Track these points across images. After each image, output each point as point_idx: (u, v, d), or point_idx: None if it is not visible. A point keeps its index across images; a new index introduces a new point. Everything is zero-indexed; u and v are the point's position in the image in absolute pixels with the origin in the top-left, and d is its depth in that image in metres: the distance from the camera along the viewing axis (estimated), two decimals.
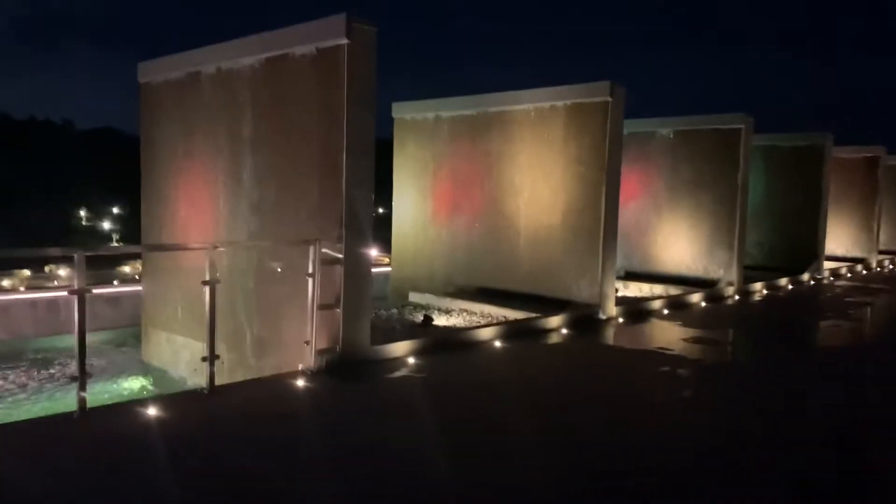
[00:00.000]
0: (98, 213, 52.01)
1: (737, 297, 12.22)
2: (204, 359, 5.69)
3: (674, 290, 11.93)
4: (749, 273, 13.42)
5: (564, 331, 8.72)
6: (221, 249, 7.41)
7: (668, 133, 13.13)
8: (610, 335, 9.03)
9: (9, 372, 9.22)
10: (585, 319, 9.27)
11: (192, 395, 5.88)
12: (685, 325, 9.57)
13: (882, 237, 18.76)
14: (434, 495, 4.01)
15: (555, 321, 8.88)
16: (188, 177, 8.39)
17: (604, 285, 9.52)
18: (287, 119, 7.06)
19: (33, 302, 11.23)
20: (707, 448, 4.94)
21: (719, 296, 12.07)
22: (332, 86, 6.46)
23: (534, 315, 8.97)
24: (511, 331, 8.32)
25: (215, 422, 5.14)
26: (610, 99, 9.33)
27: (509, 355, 7.57)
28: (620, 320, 9.66)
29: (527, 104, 10.24)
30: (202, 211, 8.18)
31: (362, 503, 3.90)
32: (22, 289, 13.45)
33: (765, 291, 13.01)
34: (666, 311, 10.45)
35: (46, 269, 18.98)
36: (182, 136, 8.41)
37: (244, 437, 4.83)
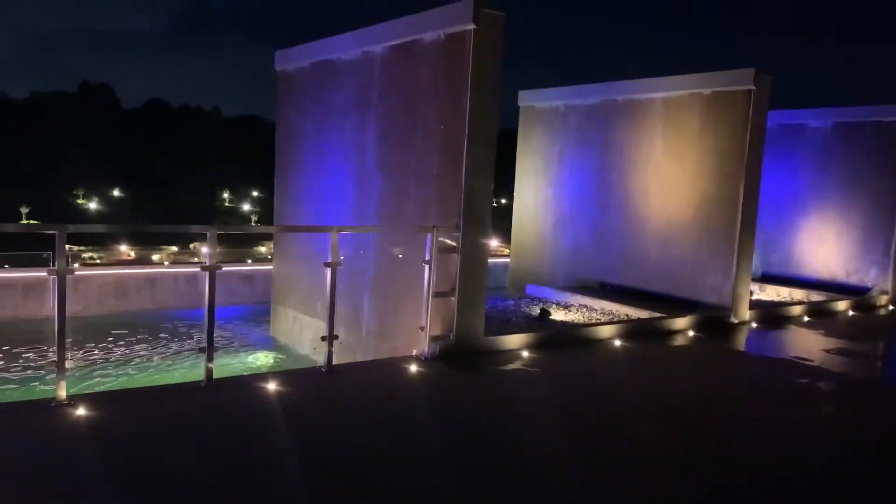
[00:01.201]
0: (239, 195, 55.49)
1: (891, 308, 11.05)
2: (323, 338, 5.83)
3: (817, 296, 10.97)
4: None
5: (691, 333, 8.23)
6: (344, 233, 7.60)
7: (816, 125, 12.04)
8: (741, 340, 8.42)
9: (153, 339, 9.98)
10: (715, 322, 8.70)
11: (310, 373, 6.06)
12: (828, 334, 8.76)
13: None
14: (547, 489, 3.86)
15: (681, 322, 8.40)
16: (318, 162, 8.66)
17: (737, 286, 8.89)
18: (412, 106, 7.08)
19: (175, 276, 12.10)
20: (845, 474, 4.45)
21: (870, 305, 10.97)
22: (457, 72, 6.39)
23: (658, 314, 8.54)
24: (633, 330, 7.95)
25: (332, 399, 5.27)
26: (753, 87, 8.66)
27: (630, 356, 7.23)
28: (754, 325, 8.99)
29: (661, 93, 9.73)
30: (329, 196, 8.41)
31: (477, 489, 3.83)
32: (166, 263, 14.54)
33: None
34: (806, 319, 9.62)
35: (191, 245, 20.45)
36: (313, 123, 8.69)
37: (358, 416, 4.91)
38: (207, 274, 5.16)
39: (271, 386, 5.23)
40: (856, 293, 11.23)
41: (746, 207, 8.81)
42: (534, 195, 11.37)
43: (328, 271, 5.77)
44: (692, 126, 9.32)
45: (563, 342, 7.35)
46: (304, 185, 8.91)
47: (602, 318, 8.84)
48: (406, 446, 4.41)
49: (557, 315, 8.91)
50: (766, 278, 12.07)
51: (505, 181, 11.85)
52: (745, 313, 9.07)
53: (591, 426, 5.01)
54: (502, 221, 12.64)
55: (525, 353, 6.75)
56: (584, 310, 9.36)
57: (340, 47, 8.12)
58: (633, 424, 5.10)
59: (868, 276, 11.44)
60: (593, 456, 4.44)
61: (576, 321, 8.63)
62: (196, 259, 18.77)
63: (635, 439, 4.78)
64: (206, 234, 5.25)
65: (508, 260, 12.20)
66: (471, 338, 6.57)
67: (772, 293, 11.58)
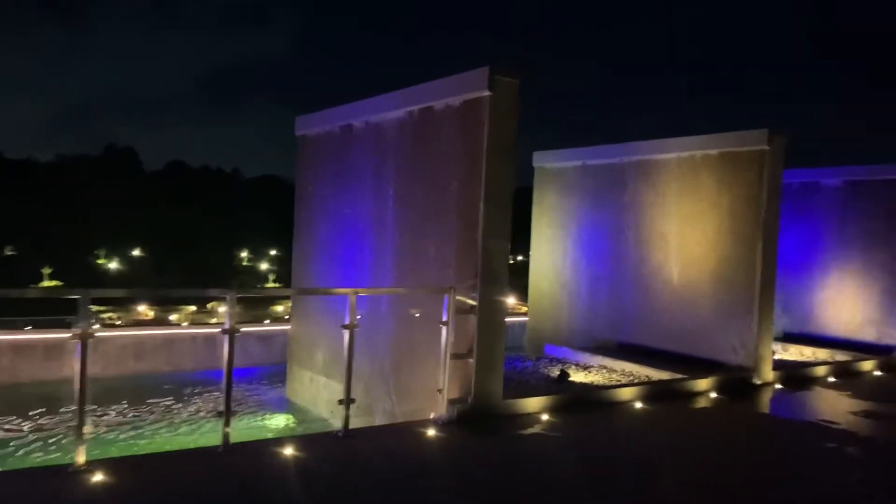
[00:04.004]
0: (258, 254, 56.10)
1: None
2: (340, 402, 5.80)
3: (841, 356, 10.76)
4: None
5: (713, 395, 8.08)
6: (362, 295, 7.63)
7: (835, 182, 12.05)
8: (765, 402, 8.25)
9: (171, 401, 9.95)
10: (738, 383, 8.54)
11: (326, 437, 5.99)
12: (855, 395, 8.55)
13: None
14: None
15: (703, 384, 8.26)
16: (336, 224, 8.78)
17: (759, 347, 8.75)
18: (429, 169, 7.21)
19: (193, 337, 12.14)
20: None
21: None
22: (473, 137, 6.52)
23: (680, 376, 8.40)
24: (654, 392, 7.82)
25: (349, 465, 5.19)
26: (767, 147, 8.73)
27: (652, 419, 7.09)
28: (778, 386, 8.81)
29: (676, 153, 9.82)
30: (347, 257, 8.49)
31: None
32: (184, 324, 14.61)
33: None
34: (831, 379, 9.42)
35: (209, 305, 20.56)
36: (332, 186, 8.85)
37: (376, 482, 4.82)
38: (227, 337, 5.19)
39: (288, 451, 5.19)
40: (881, 352, 11.00)
41: (765, 266, 8.76)
42: (550, 255, 11.39)
43: (346, 333, 5.77)
44: (708, 186, 9.37)
45: (583, 405, 7.23)
46: (321, 246, 9.02)
47: (622, 379, 8.71)
48: None
49: (577, 376, 8.80)
50: (789, 337, 11.88)
51: (521, 238, 11.91)
52: (769, 374, 8.91)
53: (616, 494, 4.88)
54: (519, 279, 12.65)
55: (545, 417, 6.64)
56: (604, 371, 9.24)
57: (359, 113, 8.33)
58: (659, 492, 4.97)
59: (892, 335, 11.22)
60: None
61: (595, 383, 8.51)
62: (214, 319, 18.86)
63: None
64: (226, 297, 5.30)
65: (526, 319, 12.13)
66: (489, 401, 6.49)
67: (795, 353, 11.37)
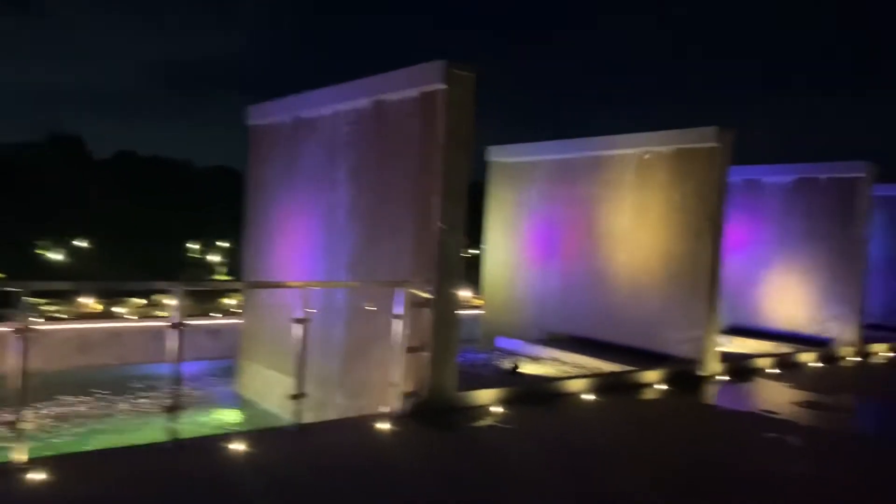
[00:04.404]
0: (209, 246, 55.03)
1: (855, 359, 11.25)
2: (292, 396, 5.73)
3: (783, 348, 11.13)
4: (870, 333, 12.36)
5: (661, 387, 8.27)
6: (315, 288, 7.56)
7: (780, 180, 12.44)
8: (711, 394, 8.48)
9: (117, 396, 9.69)
10: (685, 375, 8.75)
11: (278, 432, 5.92)
12: (796, 386, 8.86)
13: None
14: None
15: (651, 376, 8.44)
16: (288, 217, 8.66)
17: (706, 339, 8.99)
18: (384, 162, 7.16)
19: (141, 330, 11.82)
20: None
21: (835, 356, 11.16)
22: (429, 130, 6.51)
23: (629, 368, 8.57)
24: (604, 384, 7.96)
25: (301, 459, 5.15)
26: (717, 145, 8.94)
27: (601, 410, 7.22)
28: (723, 378, 9.07)
29: (628, 149, 9.99)
30: (300, 250, 8.39)
31: None
32: (132, 316, 14.25)
33: (889, 354, 11.92)
34: (774, 371, 9.74)
35: (154, 298, 20.14)
36: (284, 178, 8.72)
37: (329, 477, 4.79)
38: (175, 331, 5.08)
39: (238, 446, 5.11)
40: (821, 345, 11.43)
41: (712, 261, 8.99)
42: (503, 249, 11.48)
43: (298, 327, 5.71)
44: (659, 182, 9.55)
45: (535, 397, 7.31)
46: (274, 239, 8.88)
47: (573, 371, 8.84)
48: None
49: (529, 369, 8.90)
50: (734, 330, 12.23)
51: (476, 232, 11.96)
52: (715, 366, 9.16)
53: (567, 483, 4.96)
54: (475, 273, 12.70)
55: (498, 409, 6.70)
56: (556, 363, 9.37)
57: (313, 103, 8.22)
58: (609, 480, 5.06)
59: (832, 328, 11.66)
60: None
61: (547, 375, 8.62)
62: (162, 312, 18.43)
63: (610, 494, 4.74)
64: (173, 290, 5.18)
65: (480, 312, 12.20)
66: (443, 394, 6.51)
67: (740, 345, 11.71)
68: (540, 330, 10.82)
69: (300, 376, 5.75)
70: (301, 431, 5.63)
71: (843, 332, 11.52)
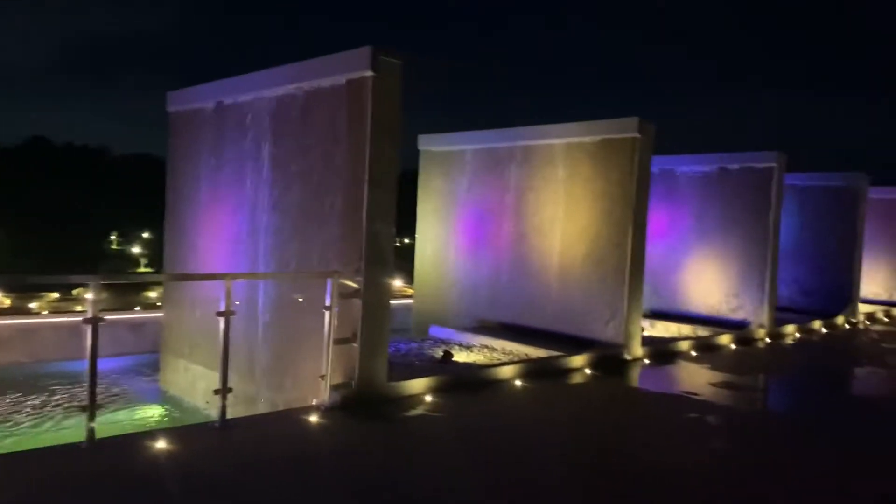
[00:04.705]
0: (129, 237, 52.94)
1: (768, 340, 11.84)
2: (216, 391, 5.58)
3: (702, 331, 11.61)
4: (781, 315, 13.03)
5: (588, 371, 8.48)
6: (240, 280, 7.38)
7: (698, 170, 12.91)
8: (635, 377, 8.75)
9: (26, 397, 9.22)
10: (610, 359, 9.01)
11: (202, 428, 5.77)
12: (714, 368, 9.26)
13: None
14: None
15: (578, 361, 8.64)
16: (211, 206, 8.40)
17: (629, 325, 9.26)
18: (310, 151, 7.03)
19: (55, 326, 11.28)
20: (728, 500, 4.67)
21: (750, 338, 11.71)
22: (356, 118, 6.42)
23: (556, 354, 8.75)
24: (532, 370, 8.10)
25: (226, 456, 5.02)
26: (638, 135, 9.19)
27: (529, 396, 7.34)
28: (646, 361, 9.38)
29: (555, 139, 10.14)
30: (224, 241, 8.16)
31: None
32: (45, 312, 13.56)
33: (797, 335, 12.60)
34: (694, 353, 10.14)
35: (74, 292, 19.23)
36: (206, 166, 8.45)
37: (256, 473, 4.69)
38: (89, 326, 4.85)
39: (160, 444, 4.94)
40: (736, 327, 11.97)
41: (635, 248, 9.26)
42: (434, 238, 11.50)
43: (221, 321, 5.55)
44: (585, 171, 9.75)
45: (466, 384, 7.37)
46: (196, 229, 8.60)
47: (503, 358, 8.95)
48: (308, 502, 4.25)
49: (460, 356, 8.96)
50: (656, 315, 12.67)
51: (409, 222, 11.93)
52: (638, 350, 9.46)
53: (496, 469, 5.02)
54: (407, 262, 12.68)
55: (429, 398, 6.72)
56: (486, 350, 9.46)
57: (237, 89, 7.98)
58: (537, 465, 5.15)
59: (746, 311, 12.22)
60: (500, 495, 4.44)
61: (478, 362, 8.70)
62: (80, 307, 17.61)
63: (539, 480, 4.83)
64: (89, 283, 4.94)
65: (413, 301, 12.19)
66: (374, 384, 6.48)
67: (662, 329, 12.14)
68: (471, 318, 10.91)
69: (224, 370, 5.60)
70: (225, 427, 5.49)
71: (757, 315, 12.10)
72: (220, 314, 5.56)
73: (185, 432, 5.62)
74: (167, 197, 9.14)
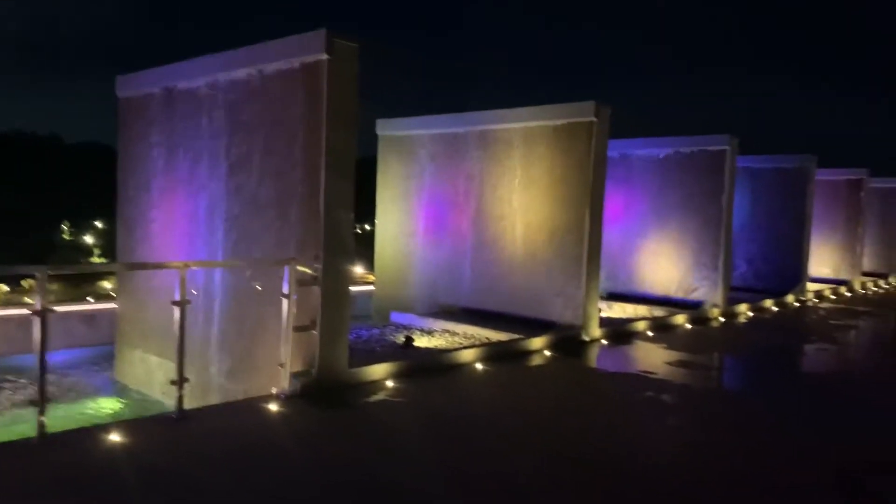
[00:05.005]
0: (82, 227, 51.49)
1: (721, 319, 12.14)
2: (173, 382, 5.49)
3: (658, 312, 11.84)
4: (734, 294, 13.37)
5: (547, 353, 8.58)
6: (194, 268, 7.27)
7: (653, 153, 13.11)
8: (593, 357, 8.90)
9: None
10: (569, 341, 9.13)
11: (159, 420, 5.67)
12: (669, 347, 9.46)
13: (865, 259, 18.82)
14: None
15: (537, 343, 8.74)
16: (164, 194, 8.22)
17: (587, 306, 9.39)
18: (266, 137, 6.92)
19: (4, 319, 10.95)
20: (691, 483, 4.80)
21: (704, 317, 11.99)
22: (312, 103, 6.34)
23: (516, 336, 8.83)
24: (493, 353, 8.17)
25: (184, 449, 4.95)
26: (595, 119, 9.27)
27: (490, 379, 7.41)
28: (604, 342, 9.54)
29: (513, 123, 10.17)
30: (178, 229, 8.00)
31: None
32: None
33: (750, 313, 12.95)
34: (650, 333, 10.35)
35: (25, 283, 18.67)
36: (158, 152, 8.25)
37: (213, 464, 4.64)
38: (37, 319, 4.72)
39: (114, 437, 4.84)
40: (692, 307, 12.24)
41: (592, 231, 9.37)
42: (394, 223, 11.46)
43: (176, 310, 5.46)
44: (542, 156, 9.81)
45: (427, 369, 7.40)
46: (149, 218, 8.41)
47: (464, 342, 9.01)
48: (269, 492, 4.23)
49: (421, 342, 8.98)
50: (615, 296, 12.87)
51: (371, 208, 11.87)
52: (596, 331, 9.60)
53: (456, 453, 5.06)
54: (368, 249, 12.61)
55: (390, 383, 6.72)
56: (448, 335, 9.50)
57: (190, 73, 7.79)
58: (497, 448, 5.21)
59: (701, 291, 12.50)
60: (464, 479, 4.48)
61: (439, 347, 8.73)
62: (31, 299, 17.10)
63: (502, 464, 4.89)
64: (36, 275, 4.80)
65: (373, 288, 12.16)
66: (334, 371, 6.46)
67: (619, 310, 12.35)
68: (432, 303, 10.93)
69: (180, 361, 5.51)
70: (183, 418, 5.41)
71: (711, 295, 12.38)
72: (175, 304, 5.46)
73: (141, 425, 5.53)
74: (118, 185, 8.92)
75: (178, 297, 5.46)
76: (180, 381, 5.47)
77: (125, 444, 4.80)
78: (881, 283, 19.43)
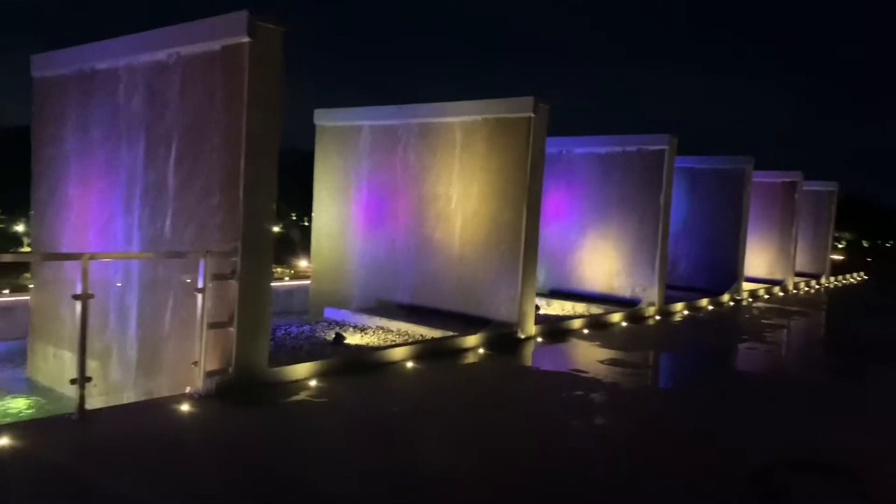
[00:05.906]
0: (14, 214, 49.29)
1: (658, 318, 12.25)
2: (73, 381, 5.14)
3: (595, 309, 11.87)
4: (670, 293, 13.53)
5: (481, 350, 8.46)
6: (113, 261, 6.90)
7: (594, 151, 13.14)
8: (527, 356, 8.81)
9: None
10: (504, 338, 9.03)
11: (57, 421, 5.31)
12: (604, 345, 9.46)
13: (798, 260, 19.35)
14: None
15: (472, 340, 8.61)
16: (82, 180, 7.77)
17: (523, 304, 9.31)
18: (185, 122, 6.58)
19: None
20: (615, 481, 4.72)
21: (640, 316, 12.07)
22: (232, 87, 6.04)
23: (450, 334, 8.68)
24: (425, 350, 7.99)
25: (84, 451, 4.63)
26: (533, 115, 9.17)
27: (420, 377, 7.23)
28: (539, 340, 9.47)
29: (452, 117, 10.00)
30: (94, 218, 7.57)
31: None
32: None
33: (685, 312, 13.12)
34: (586, 331, 10.34)
35: None
36: (75, 136, 7.80)
37: (114, 468, 4.34)
38: None
39: (5, 441, 4.49)
40: (629, 305, 12.31)
41: (529, 228, 9.28)
42: (331, 215, 11.17)
43: (78, 304, 5.10)
44: (481, 150, 9.67)
45: (355, 367, 7.18)
46: (64, 206, 7.95)
47: (397, 339, 8.81)
48: (172, 496, 3.96)
49: (353, 339, 8.74)
50: (554, 294, 12.87)
51: (310, 202, 11.55)
52: (532, 328, 9.53)
53: (377, 454, 4.87)
54: (309, 242, 12.28)
55: (313, 383, 6.48)
56: (381, 331, 9.29)
57: (108, 53, 7.37)
58: (421, 447, 5.04)
59: (638, 289, 12.59)
60: (377, 477, 4.29)
61: (371, 344, 8.51)
62: None
63: (420, 463, 4.72)
64: None
65: (310, 282, 11.85)
66: (252, 370, 6.18)
67: (557, 308, 12.34)
68: (368, 299, 10.70)
69: (82, 358, 5.16)
70: (84, 419, 5.06)
71: (647, 293, 12.48)
72: (76, 297, 5.11)
73: (37, 426, 5.17)
74: (32, 170, 8.41)
75: (79, 290, 5.10)
76: (81, 380, 5.12)
77: (16, 446, 4.45)
78: (813, 283, 20.04)
